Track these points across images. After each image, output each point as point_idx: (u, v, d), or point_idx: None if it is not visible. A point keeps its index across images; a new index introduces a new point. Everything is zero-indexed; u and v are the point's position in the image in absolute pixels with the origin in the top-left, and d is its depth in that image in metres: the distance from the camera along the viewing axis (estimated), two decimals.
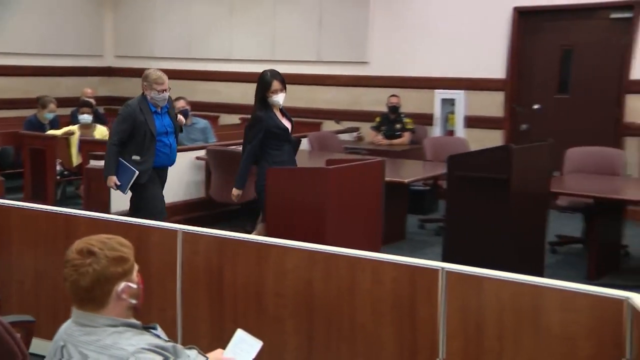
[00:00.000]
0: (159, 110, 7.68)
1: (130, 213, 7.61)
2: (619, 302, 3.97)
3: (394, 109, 11.50)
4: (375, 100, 11.94)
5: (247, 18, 14.15)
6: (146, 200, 7.83)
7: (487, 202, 7.38)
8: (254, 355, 3.61)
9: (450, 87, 11.88)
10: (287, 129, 7.49)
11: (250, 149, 7.39)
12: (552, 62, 11.53)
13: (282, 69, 12.97)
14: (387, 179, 8.24)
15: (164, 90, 7.54)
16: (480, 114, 11.72)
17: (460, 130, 11.82)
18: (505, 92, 11.68)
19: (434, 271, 4.45)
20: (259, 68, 13.17)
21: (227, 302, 4.95)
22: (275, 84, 7.36)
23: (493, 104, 11.73)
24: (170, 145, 7.82)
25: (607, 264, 8.30)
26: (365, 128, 11.95)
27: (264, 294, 4.85)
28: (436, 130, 11.98)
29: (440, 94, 11.89)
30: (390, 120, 11.51)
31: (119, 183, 7.53)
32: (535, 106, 11.58)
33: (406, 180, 8.84)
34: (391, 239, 9.09)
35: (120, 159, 7.53)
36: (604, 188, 8.55)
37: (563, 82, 11.53)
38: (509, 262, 6.29)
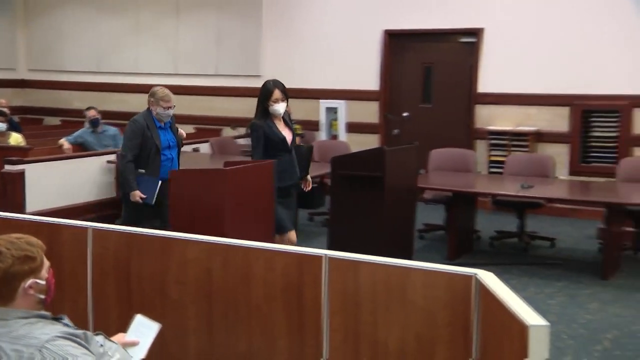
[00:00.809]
0: (163, 125, 7.31)
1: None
2: (468, 278, 4.11)
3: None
4: None
5: (151, 35, 14.03)
6: (135, 220, 7.07)
7: (365, 196, 7.50)
8: (153, 336, 3.62)
9: (333, 97, 11.99)
10: (285, 138, 6.82)
11: (255, 157, 6.85)
12: (416, 77, 11.75)
13: (184, 81, 13.16)
14: None
15: (169, 107, 7.23)
16: (359, 120, 11.88)
17: (342, 135, 11.96)
18: (379, 102, 11.82)
19: (318, 258, 4.48)
20: (163, 80, 13.16)
21: (134, 291, 4.88)
22: (276, 93, 6.72)
23: (369, 112, 11.87)
24: (172, 159, 7.39)
25: (463, 246, 8.51)
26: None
27: (167, 282, 4.81)
28: (322, 135, 12.08)
29: (324, 103, 11.96)
30: None
31: (144, 196, 7.09)
32: (404, 114, 11.74)
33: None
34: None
35: (140, 171, 7.16)
36: (460, 183, 8.81)
37: (426, 93, 11.75)
38: (384, 248, 6.41)
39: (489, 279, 4.04)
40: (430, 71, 11.65)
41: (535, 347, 3.38)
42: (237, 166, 7.25)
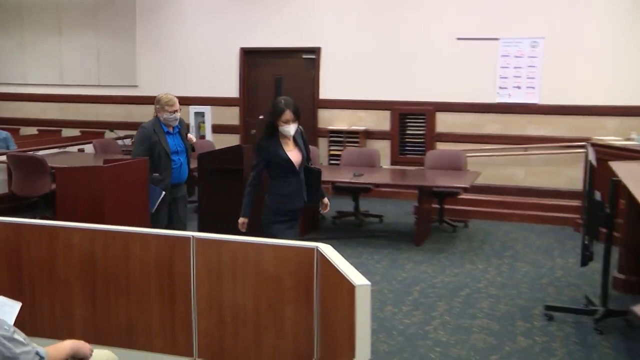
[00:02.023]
0: (171, 130, 6.50)
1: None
2: (311, 250, 4.24)
3: None
4: (145, 114, 11.55)
5: (37, 51, 13.38)
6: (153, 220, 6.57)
7: (228, 186, 7.49)
8: (16, 313, 3.51)
9: (200, 103, 11.80)
10: (290, 160, 5.41)
11: (251, 178, 5.56)
12: (269, 86, 11.67)
13: (70, 91, 12.75)
14: None
15: (175, 111, 6.42)
16: (222, 123, 11.75)
17: (209, 135, 11.80)
18: (239, 107, 11.72)
19: (187, 239, 4.52)
20: (51, 90, 12.90)
21: (25, 274, 4.73)
22: (287, 114, 5.31)
23: (231, 116, 11.77)
24: (180, 164, 6.58)
25: (311, 225, 8.58)
26: None
27: (55, 265, 4.69)
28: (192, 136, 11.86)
29: (193, 108, 11.78)
30: None
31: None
32: (260, 117, 11.67)
33: None
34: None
35: (155, 175, 6.44)
36: None
37: None
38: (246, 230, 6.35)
39: (327, 250, 4.14)
40: (280, 81, 11.62)
41: (361, 301, 3.49)
42: (115, 163, 7.10)
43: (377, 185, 9.14)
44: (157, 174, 6.40)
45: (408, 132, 10.75)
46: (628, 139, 8.72)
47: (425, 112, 10.55)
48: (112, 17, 12.52)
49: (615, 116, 9.59)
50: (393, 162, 10.62)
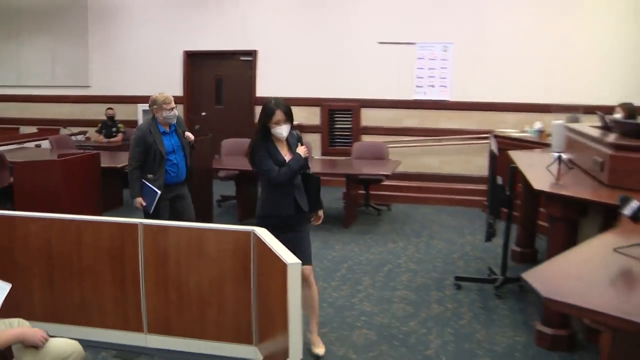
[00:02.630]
0: (168, 129, 5.92)
1: None
2: (248, 233, 4.29)
3: (110, 118, 11.10)
4: (97, 112, 11.50)
5: None
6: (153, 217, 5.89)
7: None
8: (4, 294, 3.43)
9: (147, 102, 11.53)
10: (285, 162, 4.52)
11: (273, 175, 4.42)
12: (210, 86, 11.63)
13: (27, 91, 12.43)
14: (105, 165, 8.05)
15: (172, 108, 5.87)
16: None
17: None
18: (184, 105, 11.57)
19: (135, 226, 4.52)
20: (9, 91, 12.52)
21: None
22: (278, 115, 4.47)
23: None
24: (177, 163, 5.96)
25: (249, 211, 8.54)
26: (91, 131, 11.45)
27: (15, 251, 4.65)
28: None
29: (141, 106, 11.60)
30: (108, 126, 11.10)
31: (144, 203, 5.81)
32: (203, 113, 11.63)
33: (119, 165, 8.61)
34: (113, 207, 8.90)
35: (144, 181, 5.84)
36: (245, 164, 8.67)
37: (218, 98, 11.66)
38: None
39: (263, 233, 4.18)
40: (220, 81, 11.57)
41: (292, 278, 3.56)
42: (68, 157, 7.01)
43: None
44: (151, 175, 5.85)
45: (336, 126, 10.83)
46: (523, 131, 8.98)
47: (351, 108, 10.65)
48: (66, 22, 12.22)
49: (514, 112, 9.88)
50: (323, 153, 10.71)
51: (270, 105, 4.47)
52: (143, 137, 5.78)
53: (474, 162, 9.98)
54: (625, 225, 3.32)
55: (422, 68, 10.34)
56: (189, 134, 6.17)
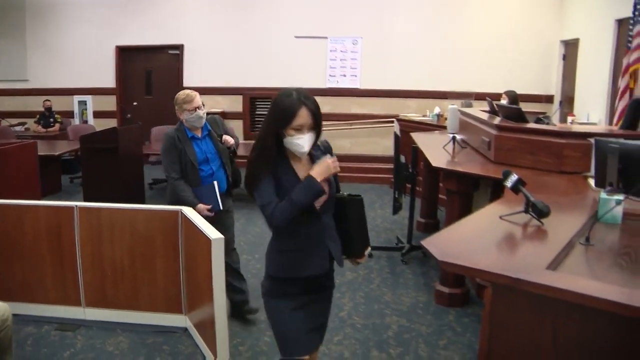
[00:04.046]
0: (199, 134, 4.46)
1: None
2: (176, 212, 4.26)
3: (48, 109, 10.69)
4: (36, 103, 11.06)
5: None
6: None
7: (107, 162, 7.28)
8: None
9: (82, 93, 11.29)
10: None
11: (273, 212, 2.53)
12: (141, 78, 11.32)
13: None
14: (43, 153, 7.81)
15: (196, 109, 4.39)
16: (102, 109, 11.28)
17: (90, 120, 11.35)
18: (116, 96, 11.26)
19: (71, 208, 4.42)
20: None
21: None
22: (303, 115, 2.51)
23: (109, 103, 11.29)
24: (212, 174, 4.47)
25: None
26: (31, 122, 10.99)
27: None
28: (76, 121, 11.33)
29: (77, 97, 11.30)
30: (46, 116, 10.69)
31: (209, 206, 4.33)
32: (134, 103, 11.34)
33: (56, 153, 8.36)
34: (53, 191, 8.61)
35: (186, 184, 4.36)
36: None
37: (148, 89, 11.37)
38: (124, 197, 6.20)
39: (189, 212, 4.15)
40: (150, 73, 11.28)
41: (216, 252, 3.55)
42: (4, 147, 6.77)
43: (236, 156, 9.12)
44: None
45: (257, 112, 10.74)
46: (425, 116, 9.16)
47: (271, 96, 10.53)
48: (4, 19, 11.59)
49: (416, 98, 10.06)
50: (246, 138, 10.62)
51: (290, 100, 2.51)
52: (172, 144, 4.36)
53: (381, 144, 10.12)
54: (509, 196, 3.44)
55: (334, 59, 10.39)
56: (227, 138, 4.65)
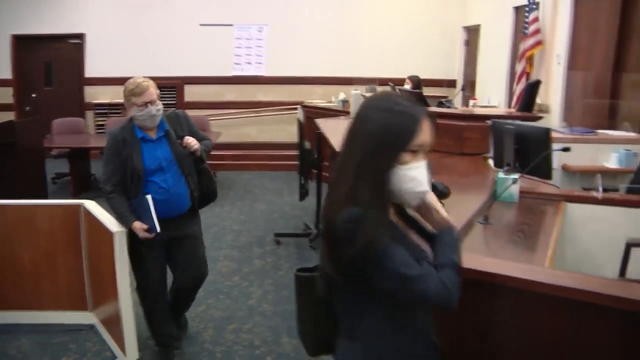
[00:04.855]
0: (152, 135, 3.46)
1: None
2: (77, 206, 4.11)
3: None
4: None
5: None
6: (136, 270, 3.58)
7: (3, 157, 6.84)
8: None
9: None
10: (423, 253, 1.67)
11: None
12: (40, 68, 10.72)
13: None
14: None
15: (147, 104, 3.38)
16: None
17: None
18: (12, 87, 10.65)
19: None
20: None
21: None
22: (425, 131, 1.63)
23: (5, 96, 10.63)
24: (168, 188, 3.44)
25: (83, 185, 8.14)
26: None
27: None
28: None
29: None
30: None
31: (145, 226, 3.37)
32: (33, 95, 10.76)
33: None
34: None
35: (122, 198, 3.43)
36: (77, 142, 8.33)
37: (48, 80, 10.81)
38: (25, 193, 5.83)
39: (91, 206, 4.00)
40: (50, 64, 10.70)
41: (118, 245, 3.44)
42: None
43: None
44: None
45: (162, 102, 10.43)
46: (330, 102, 9.23)
47: (175, 85, 10.36)
48: None
49: (322, 84, 10.11)
50: None
51: (412, 119, 1.66)
52: (115, 149, 3.40)
53: (287, 130, 10.09)
54: None
55: (240, 47, 10.26)
56: (189, 141, 3.49)
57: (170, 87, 10.30)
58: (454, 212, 3.02)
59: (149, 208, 3.33)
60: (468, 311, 1.99)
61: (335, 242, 1.61)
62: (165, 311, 3.69)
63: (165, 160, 3.44)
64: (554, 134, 4.98)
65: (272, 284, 4.99)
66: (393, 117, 1.64)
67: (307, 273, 1.89)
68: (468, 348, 2.24)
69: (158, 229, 3.33)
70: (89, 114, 10.40)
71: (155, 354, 3.80)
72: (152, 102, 3.39)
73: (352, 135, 1.67)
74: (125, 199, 3.42)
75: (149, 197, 3.34)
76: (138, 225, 3.38)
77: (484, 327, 2.20)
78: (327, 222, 1.64)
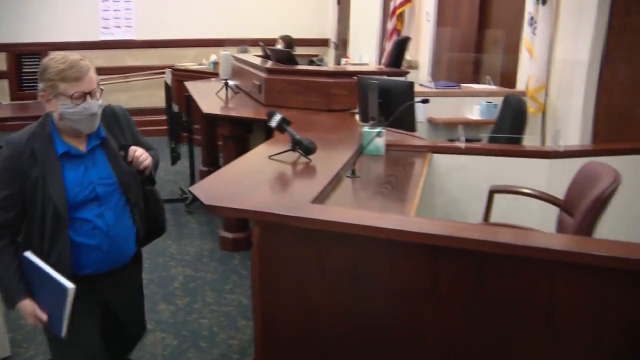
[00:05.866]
0: (81, 148, 2.15)
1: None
2: None
3: None
4: None
5: None
6: (60, 342, 2.12)
7: None
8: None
9: None
10: None
11: None
12: None
13: None
14: None
15: (85, 95, 2.07)
16: None
17: None
18: None
19: None
20: None
21: None
22: None
23: None
24: (102, 227, 2.12)
25: None
26: None
27: None
28: None
29: None
30: None
31: (43, 317, 2.08)
32: None
33: None
34: None
35: (27, 256, 2.07)
36: None
37: None
38: None
39: None
40: None
41: None
42: None
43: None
44: (29, 254, 2.09)
45: (25, 70, 9.66)
46: (201, 64, 8.94)
47: (40, 51, 9.58)
48: None
49: (193, 47, 9.74)
50: (13, 99, 9.55)
51: None
52: (15, 169, 2.06)
53: (158, 95, 9.58)
54: (278, 136, 3.41)
55: (107, 10, 9.66)
56: (138, 154, 2.27)
57: (34, 53, 9.53)
58: (322, 167, 3.00)
59: (65, 301, 2.01)
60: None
61: None
62: None
63: (103, 184, 2.18)
64: (419, 89, 5.10)
65: (147, 252, 4.52)
66: None
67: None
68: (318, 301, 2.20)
69: (64, 332, 2.07)
70: None
71: None
72: (91, 94, 2.12)
73: None
74: (13, 252, 2.10)
75: (70, 288, 2.01)
76: (30, 308, 2.11)
77: (347, 282, 2.16)
78: None
